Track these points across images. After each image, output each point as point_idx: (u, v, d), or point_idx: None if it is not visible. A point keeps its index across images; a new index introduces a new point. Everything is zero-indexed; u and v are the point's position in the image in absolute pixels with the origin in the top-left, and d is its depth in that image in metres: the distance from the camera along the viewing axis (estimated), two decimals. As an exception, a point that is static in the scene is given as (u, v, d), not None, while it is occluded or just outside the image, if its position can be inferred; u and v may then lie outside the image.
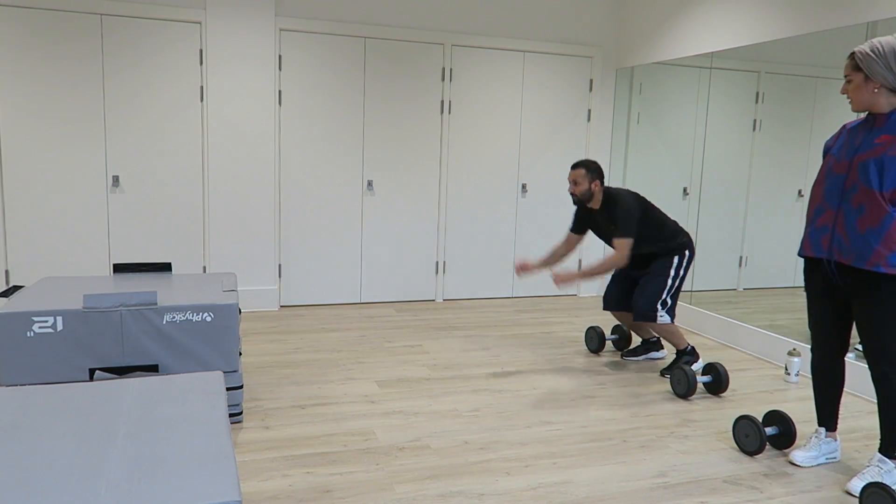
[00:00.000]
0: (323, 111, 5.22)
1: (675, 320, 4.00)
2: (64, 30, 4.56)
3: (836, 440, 2.85)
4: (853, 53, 2.39)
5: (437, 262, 5.70)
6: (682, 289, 4.46)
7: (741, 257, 4.67)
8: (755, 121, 4.52)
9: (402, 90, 5.38)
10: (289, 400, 3.41)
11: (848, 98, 2.45)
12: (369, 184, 5.41)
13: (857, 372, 3.74)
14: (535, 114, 5.78)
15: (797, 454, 2.82)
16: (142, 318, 2.78)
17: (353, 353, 4.21)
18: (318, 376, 3.78)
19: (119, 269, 3.47)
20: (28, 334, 2.66)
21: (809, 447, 2.83)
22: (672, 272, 3.86)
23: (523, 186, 5.83)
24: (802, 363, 4.08)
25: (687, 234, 3.95)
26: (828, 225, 2.54)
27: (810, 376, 2.91)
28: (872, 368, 2.52)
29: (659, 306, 3.82)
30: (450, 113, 5.53)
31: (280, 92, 5.09)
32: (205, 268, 5.09)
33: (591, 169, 3.85)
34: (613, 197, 3.85)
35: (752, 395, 3.69)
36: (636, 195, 3.89)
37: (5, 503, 1.29)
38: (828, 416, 2.81)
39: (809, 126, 4.13)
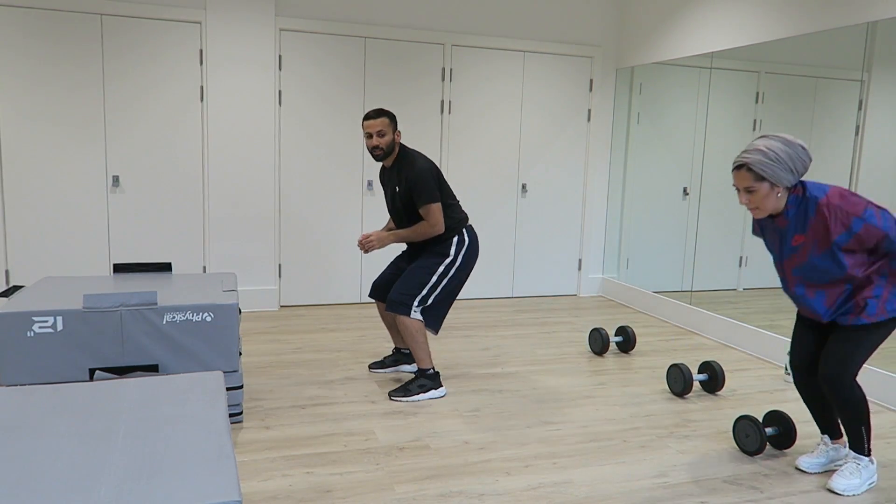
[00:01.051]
0: (323, 111, 5.22)
1: (438, 332, 3.51)
2: (64, 30, 4.56)
3: (844, 447, 2.80)
4: (744, 165, 2.42)
5: (437, 262, 5.69)
6: (462, 292, 3.82)
7: (741, 257, 4.67)
8: (755, 121, 4.52)
9: (402, 90, 5.38)
10: (289, 400, 3.41)
11: (750, 209, 2.50)
12: (369, 184, 5.41)
13: (857, 372, 3.74)
14: (535, 114, 5.78)
15: (804, 460, 2.80)
16: (142, 318, 2.78)
17: (353, 353, 4.21)
18: (318, 376, 3.77)
19: (119, 269, 3.47)
20: (28, 334, 2.66)
21: (817, 454, 2.79)
22: (442, 268, 3.41)
23: (523, 186, 5.83)
24: (802, 363, 4.08)
25: (471, 228, 3.53)
26: (803, 303, 2.64)
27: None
28: (825, 366, 2.56)
29: (416, 301, 3.38)
30: (450, 113, 5.53)
31: (280, 92, 5.09)
32: (205, 268, 5.09)
33: (392, 117, 3.40)
34: (410, 155, 3.43)
35: (752, 395, 3.69)
36: (431, 160, 3.47)
37: (5, 503, 1.29)
38: (827, 426, 2.79)
39: (809, 126, 4.13)
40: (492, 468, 2.74)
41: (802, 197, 2.46)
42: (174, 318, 2.81)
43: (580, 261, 6.14)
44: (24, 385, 2.39)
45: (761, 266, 4.51)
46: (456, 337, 4.67)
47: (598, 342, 4.32)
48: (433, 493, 2.53)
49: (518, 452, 2.89)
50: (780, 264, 2.62)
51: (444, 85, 5.47)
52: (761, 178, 2.40)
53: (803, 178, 2.61)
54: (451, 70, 5.47)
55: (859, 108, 3.78)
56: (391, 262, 3.74)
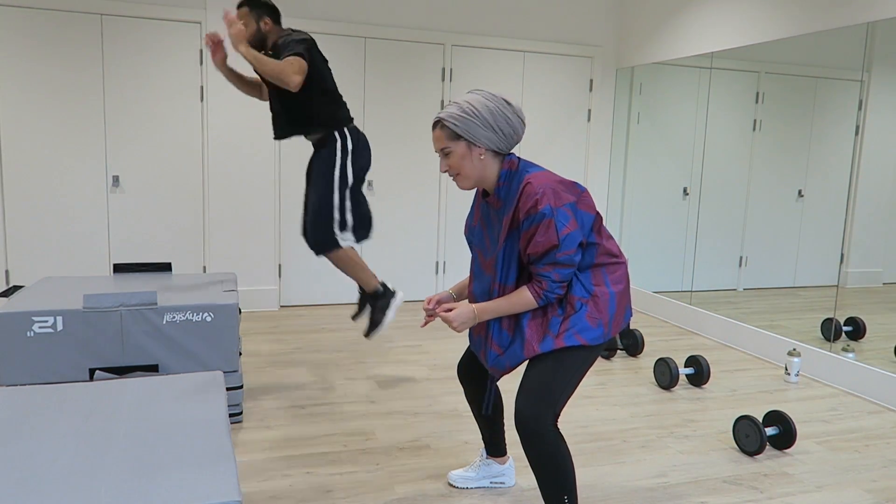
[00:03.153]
0: (323, 111, 5.22)
1: (371, 234, 3.17)
2: (64, 30, 4.56)
3: (503, 464, 2.55)
4: (439, 122, 2.01)
5: (437, 262, 5.69)
6: (361, 200, 3.26)
7: (741, 257, 4.67)
8: (755, 121, 4.52)
9: (402, 90, 5.38)
10: (289, 400, 3.41)
11: (452, 176, 2.07)
12: (369, 184, 5.41)
13: (856, 372, 3.74)
14: (535, 114, 5.77)
15: (453, 473, 2.57)
16: (142, 318, 2.78)
17: (353, 353, 4.21)
18: (318, 376, 3.77)
19: (119, 268, 3.47)
20: (28, 334, 2.66)
21: (467, 468, 2.57)
22: (338, 178, 3.05)
23: (523, 186, 5.83)
24: (802, 363, 4.08)
25: (354, 128, 3.18)
26: (481, 336, 2.17)
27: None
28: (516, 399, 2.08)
29: (336, 229, 3.06)
30: (450, 113, 5.52)
31: (280, 92, 5.09)
32: (205, 268, 5.09)
33: (255, 4, 3.08)
34: (292, 34, 3.08)
35: (752, 395, 3.69)
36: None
37: (5, 503, 1.29)
38: (490, 441, 2.52)
39: (809, 126, 4.13)
40: (492, 468, 2.74)
41: (514, 172, 2.04)
42: (174, 318, 2.81)
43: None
44: (24, 385, 2.41)
45: (761, 266, 4.51)
46: (456, 337, 4.67)
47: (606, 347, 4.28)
48: (433, 493, 2.53)
49: (518, 453, 2.89)
50: (486, 258, 2.13)
51: (444, 85, 5.47)
52: (457, 136, 1.99)
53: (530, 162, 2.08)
54: (451, 70, 5.47)
55: (859, 108, 3.78)
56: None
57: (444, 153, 2.04)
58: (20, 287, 3.21)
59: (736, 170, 4.69)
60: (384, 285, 3.25)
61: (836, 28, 3.85)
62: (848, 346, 3.85)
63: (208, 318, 2.86)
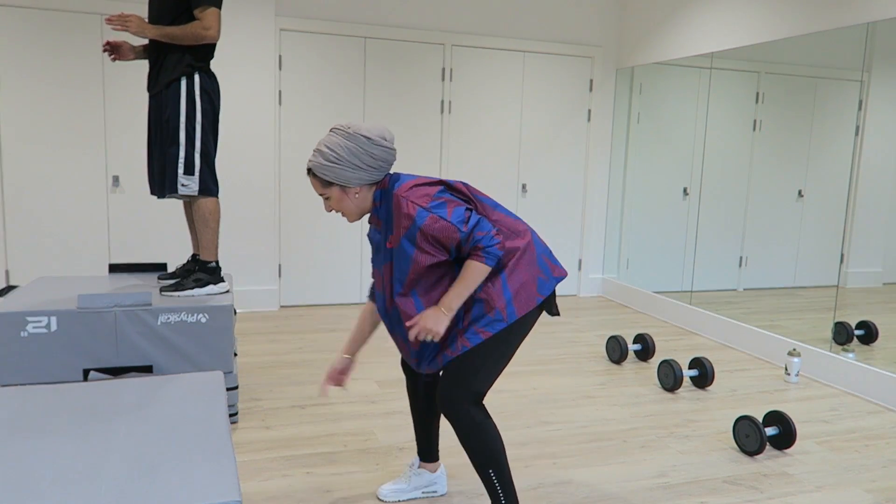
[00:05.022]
0: (323, 111, 5.22)
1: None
2: (64, 30, 4.56)
3: (435, 472, 2.50)
4: (310, 171, 2.07)
5: (436, 262, 5.69)
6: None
7: (741, 257, 4.67)
8: (755, 121, 4.52)
9: (402, 90, 5.38)
10: (289, 400, 3.41)
11: (339, 213, 2.12)
12: (369, 184, 5.41)
13: (856, 371, 3.74)
14: (535, 114, 5.77)
15: (382, 487, 2.48)
16: (136, 319, 2.77)
17: (353, 353, 4.20)
18: (319, 376, 3.77)
19: (115, 269, 3.47)
20: (22, 334, 2.65)
21: (398, 480, 2.50)
22: (184, 116, 2.90)
23: (523, 186, 5.83)
24: (802, 363, 4.08)
25: (209, 71, 3.01)
26: (402, 347, 2.22)
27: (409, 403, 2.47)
28: (441, 383, 2.15)
29: (183, 171, 2.92)
30: (450, 113, 5.53)
31: (280, 92, 5.09)
32: (205, 268, 5.08)
33: None
34: None
35: (752, 395, 3.69)
36: None
37: (5, 503, 1.28)
38: (422, 443, 2.47)
39: (809, 126, 4.13)
40: (492, 468, 2.74)
41: (386, 190, 2.09)
42: (169, 318, 2.81)
43: (580, 261, 6.13)
44: (18, 385, 2.40)
45: (761, 266, 4.51)
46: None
47: (617, 351, 4.16)
48: (433, 493, 2.53)
49: (518, 452, 2.89)
50: (379, 272, 2.18)
51: (444, 85, 5.47)
52: (328, 183, 2.05)
53: (398, 171, 2.12)
54: (451, 70, 5.47)
55: (859, 108, 3.78)
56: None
57: (324, 198, 2.11)
58: (14, 287, 3.21)
59: (736, 170, 4.69)
60: (218, 266, 3.12)
61: (836, 28, 3.85)
62: (847, 346, 3.85)
63: (203, 319, 2.85)
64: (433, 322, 2.01)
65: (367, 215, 2.36)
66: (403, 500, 2.48)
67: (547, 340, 4.66)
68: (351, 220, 2.15)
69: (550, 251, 2.17)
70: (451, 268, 2.08)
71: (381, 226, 2.13)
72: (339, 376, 2.28)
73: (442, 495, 2.52)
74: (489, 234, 1.97)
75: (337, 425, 3.12)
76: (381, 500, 2.47)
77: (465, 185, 2.10)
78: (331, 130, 2.06)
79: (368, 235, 2.23)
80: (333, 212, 2.07)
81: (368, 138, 2.02)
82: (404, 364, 2.42)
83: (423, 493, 2.50)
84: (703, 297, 4.99)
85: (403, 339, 2.19)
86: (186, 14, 2.89)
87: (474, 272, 1.99)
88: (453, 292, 2.01)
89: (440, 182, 2.07)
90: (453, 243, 1.98)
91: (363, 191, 2.09)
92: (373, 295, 2.31)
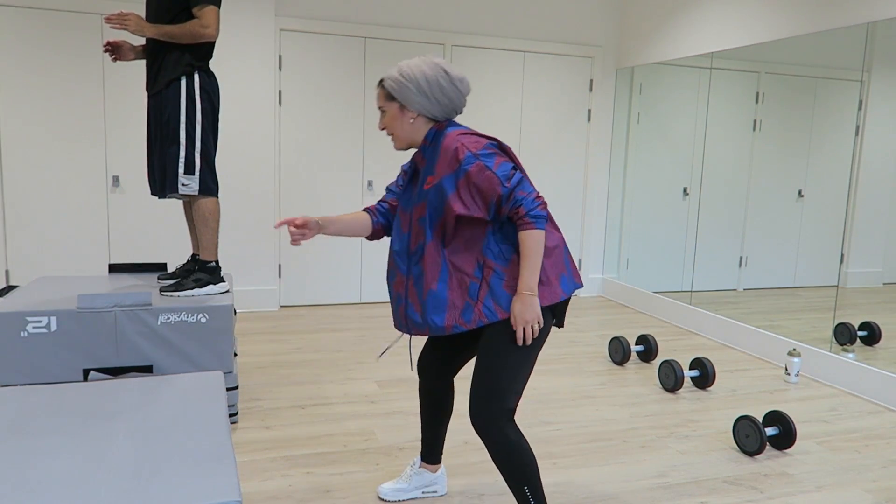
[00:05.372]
0: (323, 111, 5.22)
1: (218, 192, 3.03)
2: (64, 30, 4.56)
3: (435, 472, 2.50)
4: (381, 82, 2.10)
5: (436, 262, 5.69)
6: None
7: (741, 257, 4.67)
8: (755, 121, 4.52)
9: (402, 90, 5.37)
10: (288, 400, 3.41)
11: (389, 135, 2.17)
12: (369, 184, 5.41)
13: (856, 371, 3.74)
14: (536, 114, 5.77)
15: (383, 486, 2.48)
16: (136, 319, 2.77)
17: (353, 353, 4.21)
18: (318, 376, 3.77)
19: (115, 268, 3.47)
20: (22, 334, 2.65)
21: (398, 479, 2.50)
22: (183, 107, 2.91)
23: (523, 186, 5.83)
24: (802, 363, 4.08)
25: (209, 70, 3.01)
26: (401, 294, 2.14)
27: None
28: (472, 396, 2.10)
29: (181, 167, 2.94)
30: (450, 113, 5.52)
31: (280, 92, 5.09)
32: (205, 268, 5.08)
33: None
34: None
35: (752, 395, 3.69)
36: None
37: (5, 503, 1.28)
38: (428, 444, 2.46)
39: (809, 126, 4.13)
40: (492, 468, 2.74)
41: (440, 132, 2.08)
42: (169, 318, 2.81)
43: (580, 261, 6.13)
44: (18, 385, 2.41)
45: (761, 266, 4.51)
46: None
47: (619, 352, 4.13)
48: (433, 493, 2.53)
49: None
50: (407, 213, 2.14)
51: (444, 85, 5.47)
52: (391, 98, 2.07)
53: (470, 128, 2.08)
54: (451, 70, 5.46)
55: (859, 108, 3.78)
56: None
57: (381, 111, 2.12)
58: (14, 287, 3.21)
59: (736, 170, 4.69)
60: (218, 265, 3.10)
61: (836, 28, 3.85)
62: (847, 346, 3.85)
63: (203, 319, 2.85)
64: (527, 311, 1.95)
65: (413, 151, 2.32)
66: (404, 500, 2.48)
67: (547, 340, 4.65)
68: (397, 147, 2.14)
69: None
70: (482, 236, 2.02)
71: (423, 164, 2.10)
72: (299, 227, 2.12)
73: (442, 495, 2.52)
74: (531, 196, 1.94)
75: (337, 425, 3.12)
76: (382, 499, 2.47)
77: (511, 151, 2.09)
78: (416, 56, 2.07)
79: (404, 168, 2.21)
80: (384, 131, 2.06)
81: (447, 73, 2.04)
82: (420, 365, 2.39)
83: (423, 492, 2.50)
84: (703, 297, 4.99)
85: (406, 287, 2.10)
86: (185, 13, 2.89)
87: (532, 241, 1.94)
88: (525, 271, 1.96)
89: (493, 139, 2.06)
90: (494, 197, 1.94)
91: (419, 121, 2.08)
92: (373, 214, 2.27)
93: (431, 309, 2.05)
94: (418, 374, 2.39)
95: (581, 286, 2.12)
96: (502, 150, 2.05)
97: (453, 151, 1.98)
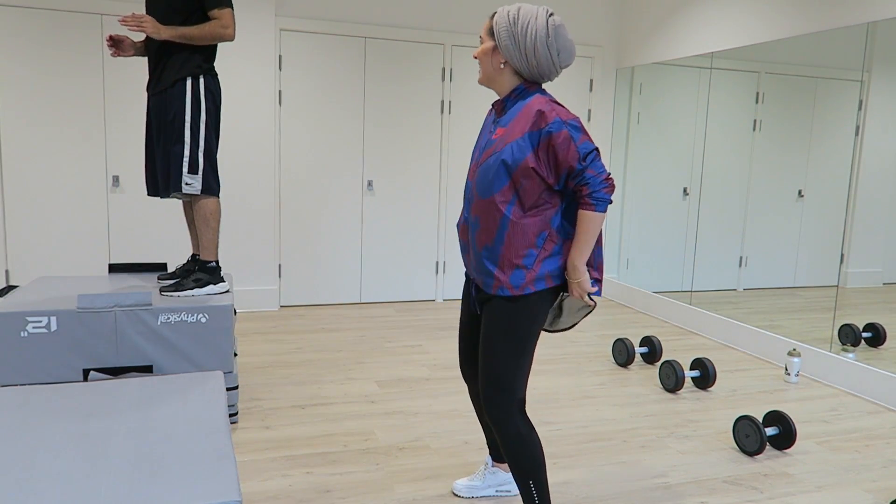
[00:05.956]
0: (323, 111, 5.22)
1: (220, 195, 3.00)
2: (64, 30, 4.56)
3: (508, 471, 2.50)
4: (493, 15, 2.07)
5: (437, 262, 5.69)
6: None
7: (741, 257, 4.67)
8: (755, 121, 4.52)
9: (402, 90, 5.38)
10: (288, 400, 3.41)
11: (478, 69, 2.15)
12: (369, 184, 5.41)
13: (856, 371, 3.74)
14: (535, 114, 5.77)
15: (458, 483, 2.52)
16: (136, 319, 2.77)
17: (353, 353, 4.21)
18: (318, 376, 3.77)
19: (114, 268, 3.47)
20: (22, 334, 2.65)
21: (471, 476, 2.53)
22: (188, 106, 2.92)
23: (523, 186, 5.83)
24: (802, 363, 4.08)
25: (213, 72, 3.03)
26: (465, 241, 2.17)
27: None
28: (482, 389, 2.14)
29: (185, 166, 2.93)
30: (450, 113, 5.53)
31: (280, 92, 5.09)
32: (205, 268, 5.08)
33: None
34: None
35: (752, 395, 3.69)
36: None
37: (5, 503, 1.28)
38: (493, 445, 2.49)
39: (809, 126, 4.13)
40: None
41: (530, 91, 2.06)
42: (169, 318, 2.81)
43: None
44: (18, 385, 2.40)
45: (761, 266, 4.51)
46: (456, 337, 4.67)
47: (623, 353, 4.10)
48: (433, 493, 2.53)
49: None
50: (475, 160, 2.13)
51: (444, 85, 5.47)
52: (492, 33, 2.06)
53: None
54: (451, 70, 5.47)
55: (859, 108, 3.78)
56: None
57: (480, 40, 2.11)
58: (14, 287, 3.21)
59: (736, 170, 4.68)
60: (218, 265, 3.11)
61: (836, 28, 3.85)
62: (846, 347, 3.85)
63: (203, 319, 2.85)
64: (582, 283, 2.00)
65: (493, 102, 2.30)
66: (477, 497, 2.50)
67: (547, 340, 4.66)
68: (479, 80, 2.13)
69: None
70: (552, 208, 2.02)
71: (502, 113, 2.09)
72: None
73: (515, 495, 2.53)
74: (600, 178, 1.93)
75: (337, 425, 3.12)
76: (456, 495, 2.51)
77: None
78: (535, 5, 2.05)
79: (486, 119, 2.21)
80: (475, 59, 2.15)
81: (548, 36, 2.00)
82: (463, 373, 2.39)
83: (496, 491, 2.52)
84: (703, 297, 4.99)
85: (467, 235, 2.12)
86: (197, 14, 2.91)
87: (589, 223, 1.96)
88: (574, 249, 1.99)
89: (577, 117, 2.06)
90: (565, 168, 1.94)
91: (506, 70, 2.06)
92: None
93: (485, 260, 2.06)
94: (465, 380, 2.42)
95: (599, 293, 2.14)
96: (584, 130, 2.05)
97: (538, 112, 1.96)
